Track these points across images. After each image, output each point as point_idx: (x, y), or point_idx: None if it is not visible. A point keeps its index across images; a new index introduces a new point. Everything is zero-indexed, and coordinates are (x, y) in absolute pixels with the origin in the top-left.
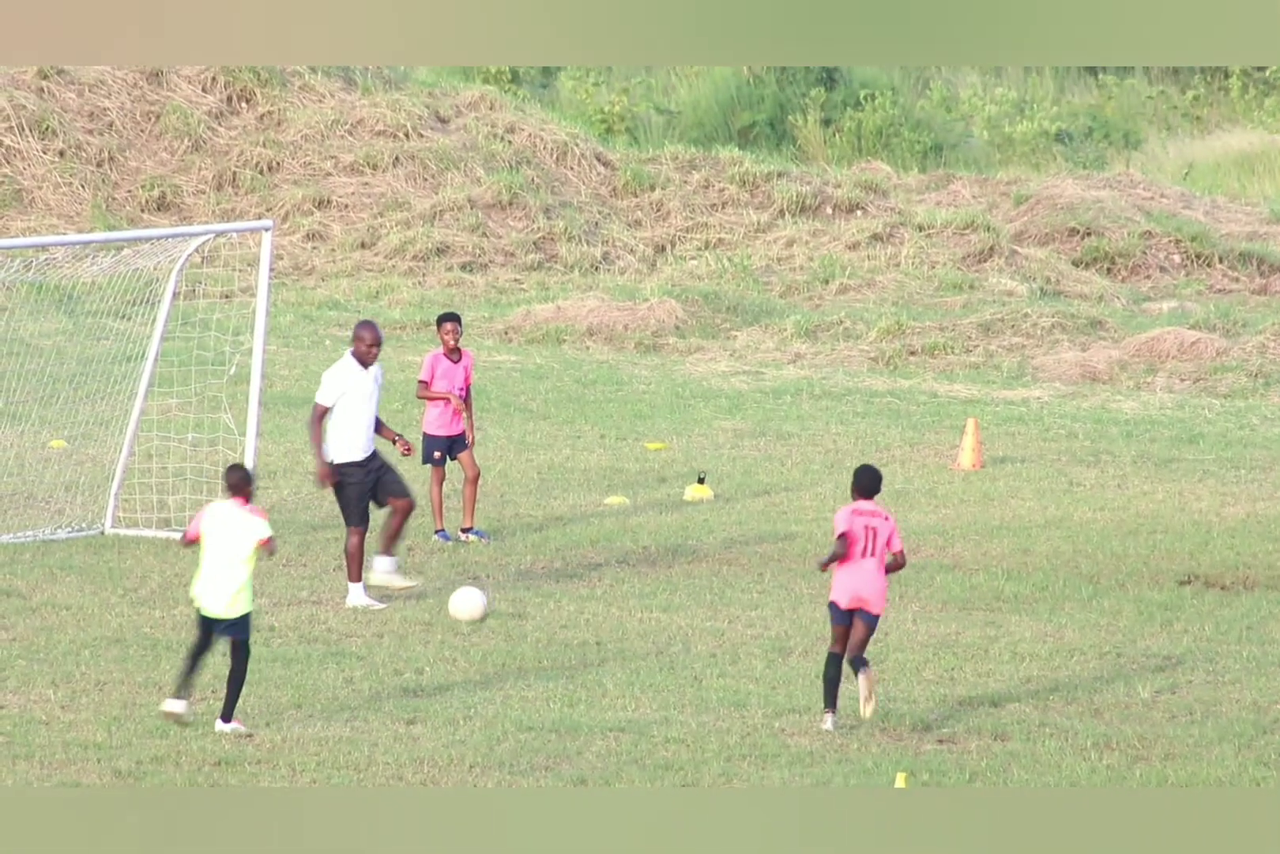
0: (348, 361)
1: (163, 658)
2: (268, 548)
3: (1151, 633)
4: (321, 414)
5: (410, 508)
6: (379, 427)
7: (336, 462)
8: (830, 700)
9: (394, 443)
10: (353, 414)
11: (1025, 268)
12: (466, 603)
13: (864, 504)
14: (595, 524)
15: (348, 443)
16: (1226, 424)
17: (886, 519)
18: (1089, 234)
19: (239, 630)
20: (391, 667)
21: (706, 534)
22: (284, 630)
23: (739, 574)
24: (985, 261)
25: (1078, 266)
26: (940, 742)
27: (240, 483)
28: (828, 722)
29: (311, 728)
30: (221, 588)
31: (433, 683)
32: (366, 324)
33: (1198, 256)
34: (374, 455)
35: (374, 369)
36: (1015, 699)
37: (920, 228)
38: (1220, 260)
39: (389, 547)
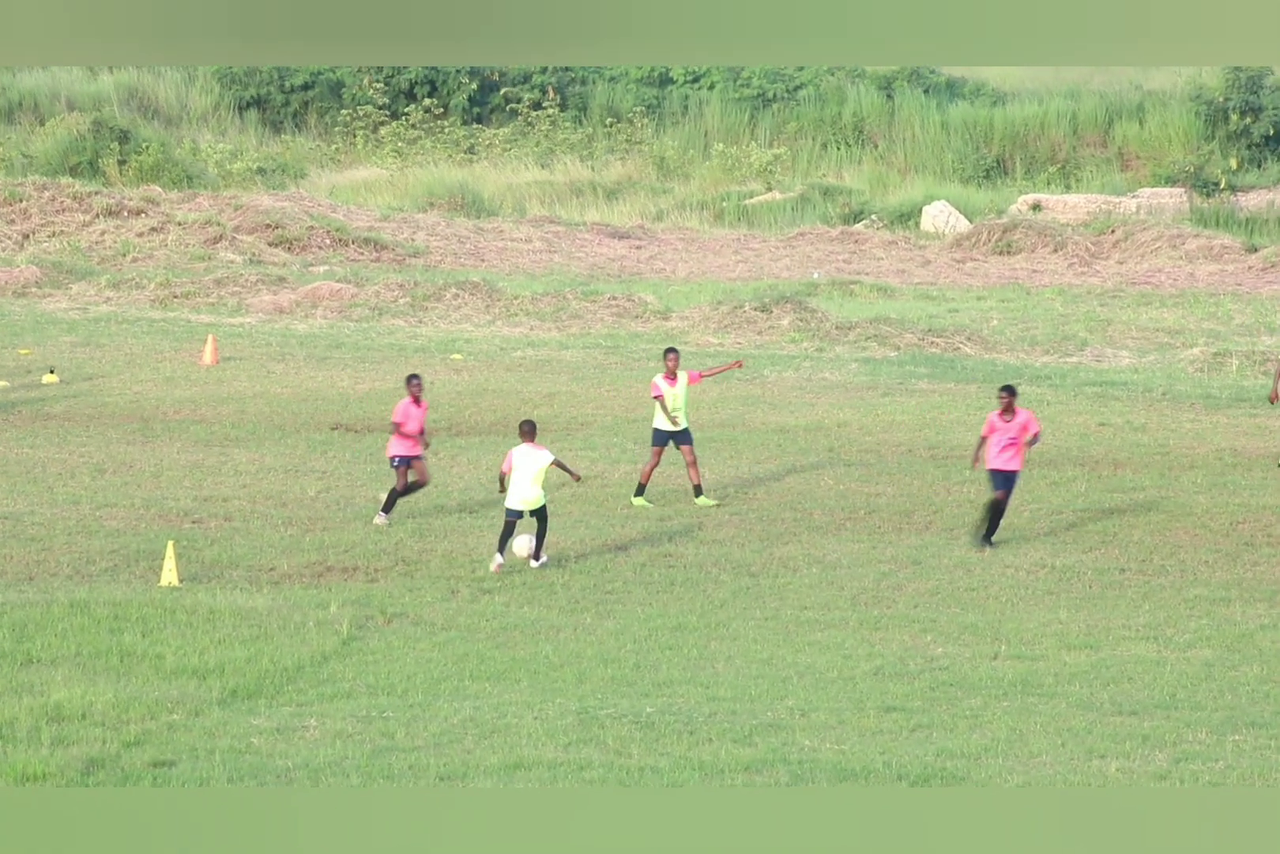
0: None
1: None
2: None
3: (315, 457)
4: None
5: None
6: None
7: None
8: None
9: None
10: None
11: (239, 244)
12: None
13: None
14: None
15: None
16: (358, 337)
17: None
18: (278, 227)
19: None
20: None
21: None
22: None
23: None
24: (217, 243)
25: (272, 246)
26: None
27: (529, 430)
28: None
29: None
30: (527, 493)
31: None
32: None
33: (339, 240)
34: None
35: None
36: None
37: (180, 224)
38: (353, 242)
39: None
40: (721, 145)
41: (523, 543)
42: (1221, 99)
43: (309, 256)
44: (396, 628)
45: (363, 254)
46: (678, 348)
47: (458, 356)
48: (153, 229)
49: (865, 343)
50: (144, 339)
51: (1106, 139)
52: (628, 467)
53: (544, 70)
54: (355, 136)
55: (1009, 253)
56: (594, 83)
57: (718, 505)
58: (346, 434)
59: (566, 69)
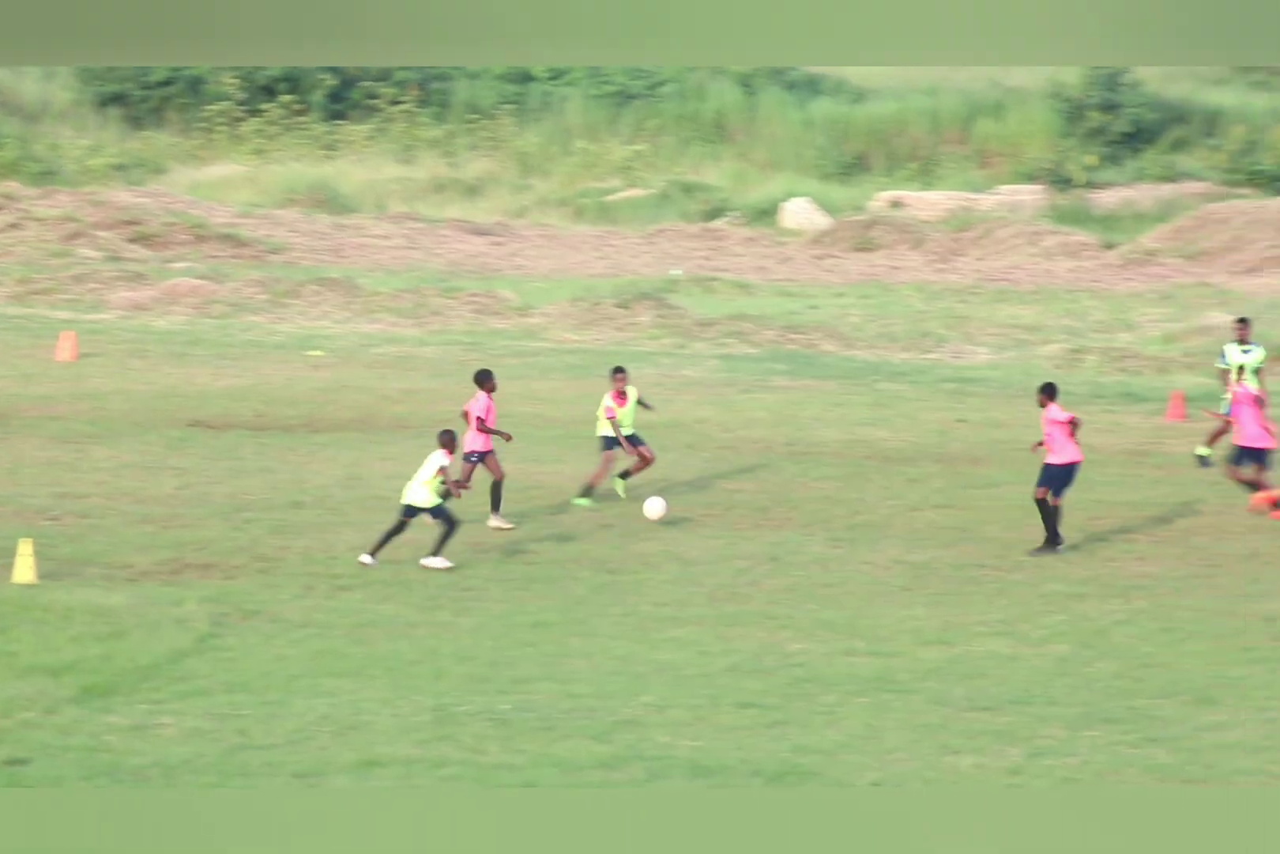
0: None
1: None
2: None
3: (172, 454)
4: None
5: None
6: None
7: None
8: None
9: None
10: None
11: (98, 241)
12: (654, 507)
13: None
14: None
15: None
16: (217, 334)
17: None
18: (137, 223)
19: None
20: None
21: None
22: None
23: None
24: (76, 239)
25: (131, 242)
26: None
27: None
28: None
29: None
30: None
31: None
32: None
33: (199, 236)
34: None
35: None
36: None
37: (38, 220)
38: (212, 239)
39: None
40: (582, 142)
41: (655, 506)
42: (1081, 96)
43: (168, 253)
44: (253, 625)
45: (222, 250)
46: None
47: (317, 353)
48: (11, 225)
49: (725, 339)
50: (2, 335)
51: (966, 136)
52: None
53: (406, 66)
54: (215, 133)
55: (869, 250)
56: (455, 79)
57: (592, 506)
58: (204, 431)
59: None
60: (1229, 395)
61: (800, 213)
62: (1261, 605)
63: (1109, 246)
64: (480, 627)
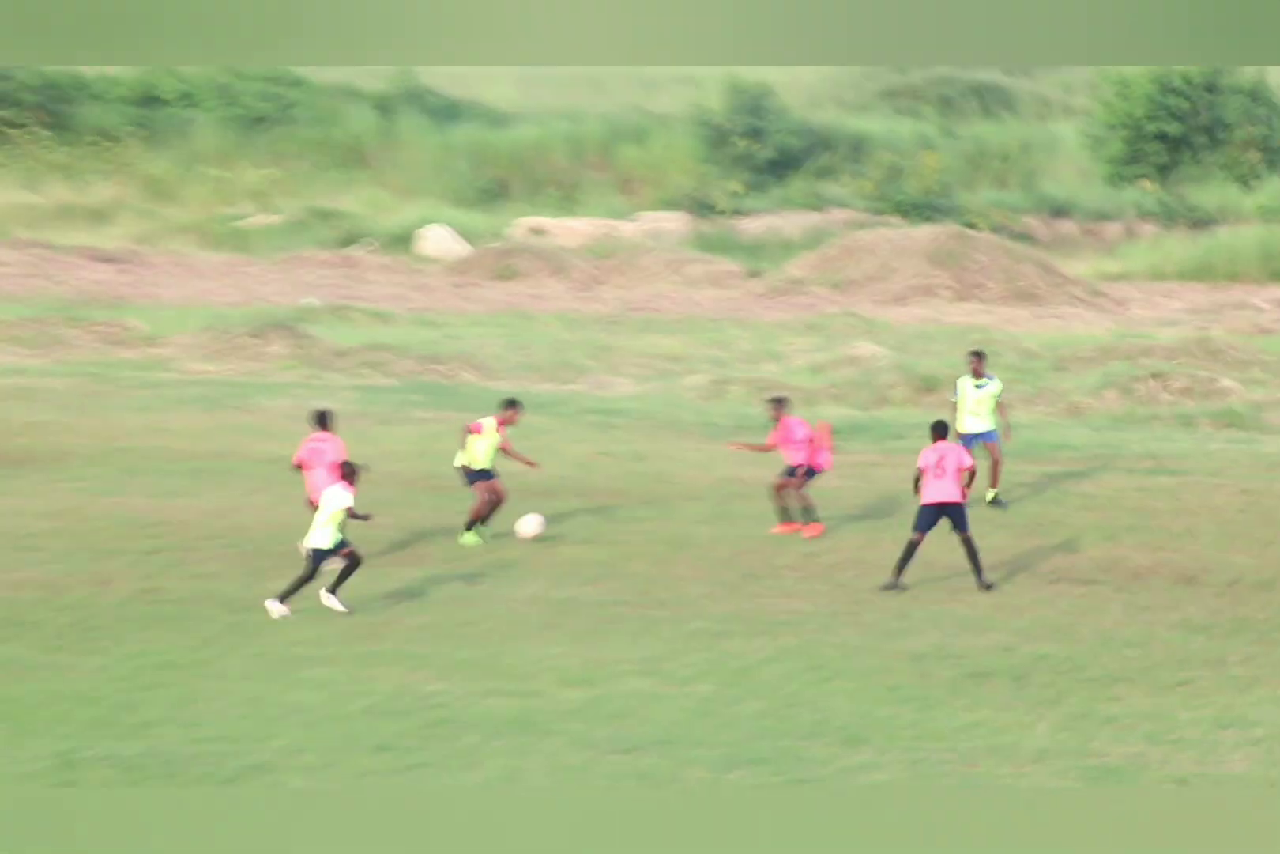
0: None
1: None
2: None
3: None
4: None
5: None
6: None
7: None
8: None
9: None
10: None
11: None
12: (528, 525)
13: None
14: None
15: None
16: None
17: None
18: None
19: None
20: None
21: None
22: None
23: None
24: None
25: None
26: None
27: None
28: None
29: None
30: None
31: None
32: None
33: None
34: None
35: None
36: None
37: None
38: None
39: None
40: (213, 167)
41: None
42: (724, 122)
43: None
44: None
45: None
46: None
47: None
48: None
49: (361, 370)
50: None
51: (609, 162)
52: (111, 499)
53: (29, 88)
54: None
55: (509, 278)
56: (80, 102)
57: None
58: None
59: (52, 86)
60: (972, 430)
61: (438, 240)
62: (907, 643)
63: (754, 275)
64: (105, 668)
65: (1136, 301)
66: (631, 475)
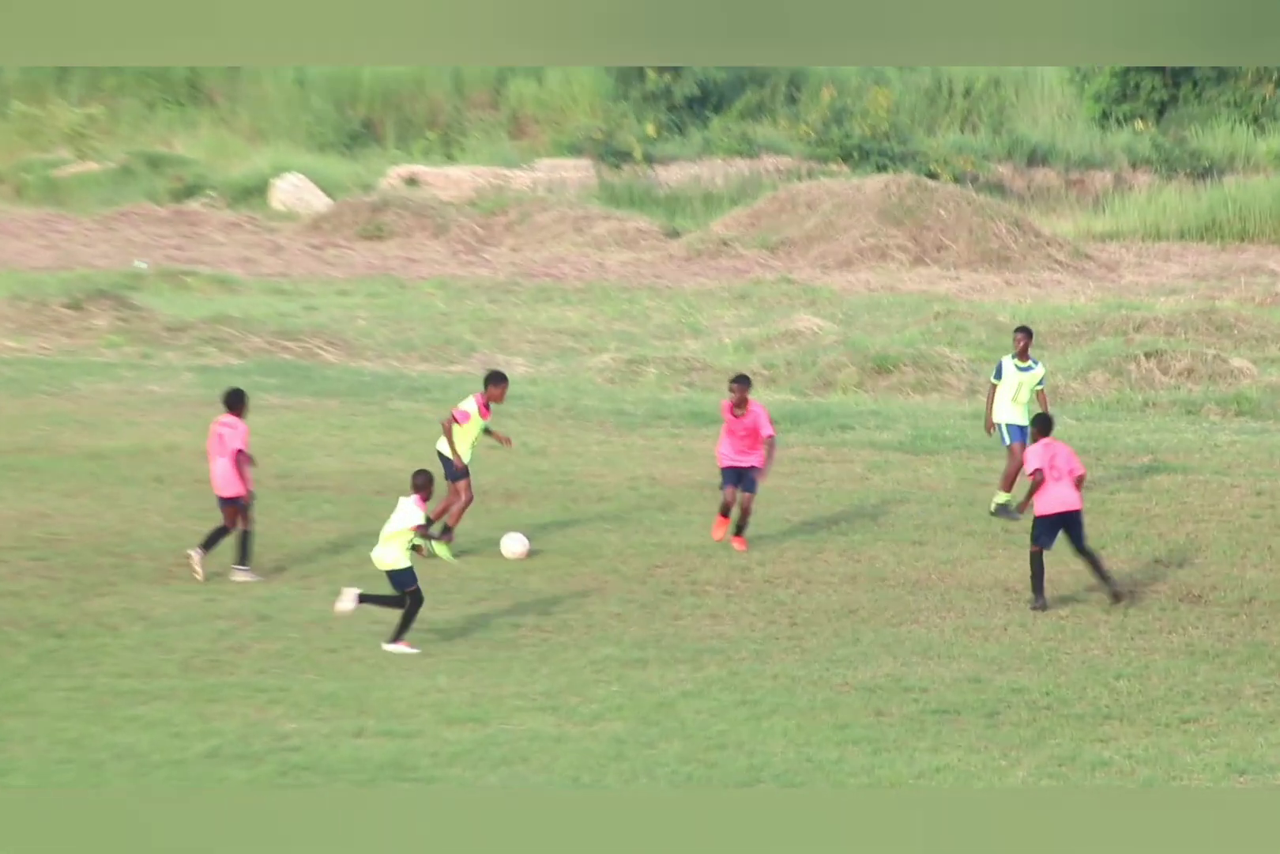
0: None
1: None
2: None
3: None
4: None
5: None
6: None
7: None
8: None
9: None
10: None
11: None
12: (513, 544)
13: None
14: None
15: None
16: None
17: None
18: None
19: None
20: None
21: None
22: None
23: None
24: None
25: None
26: None
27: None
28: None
29: None
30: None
31: None
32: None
33: None
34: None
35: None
36: None
37: None
38: None
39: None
40: (21, 104)
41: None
42: None
43: None
44: None
45: None
46: None
47: None
48: None
49: (202, 347)
50: None
51: (497, 100)
52: None
53: None
54: None
55: (379, 238)
56: None
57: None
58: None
59: None
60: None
61: (294, 192)
62: (858, 673)
63: (673, 235)
64: None
65: (1129, 265)
66: (527, 473)
